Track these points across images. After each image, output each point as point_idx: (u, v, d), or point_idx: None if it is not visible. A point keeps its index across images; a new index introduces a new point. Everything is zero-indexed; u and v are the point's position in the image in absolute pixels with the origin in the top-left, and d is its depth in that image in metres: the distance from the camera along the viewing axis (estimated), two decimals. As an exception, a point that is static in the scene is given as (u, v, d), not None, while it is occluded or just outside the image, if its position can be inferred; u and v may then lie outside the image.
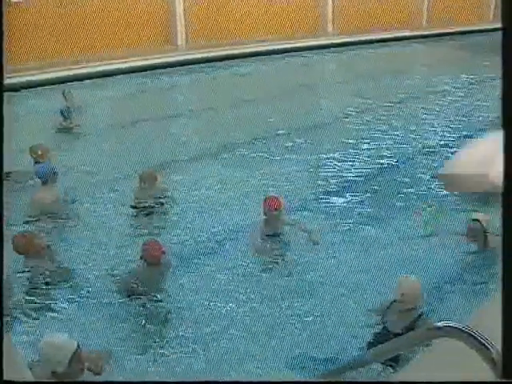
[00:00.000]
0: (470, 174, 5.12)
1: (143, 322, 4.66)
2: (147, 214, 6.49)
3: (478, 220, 5.32)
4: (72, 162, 8.04)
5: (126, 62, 14.62)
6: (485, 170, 5.24)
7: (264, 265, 5.44)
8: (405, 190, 7.22)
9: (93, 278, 5.23)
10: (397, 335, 4.00)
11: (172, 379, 4.12)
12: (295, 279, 5.19)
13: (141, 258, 4.98)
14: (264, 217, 5.72)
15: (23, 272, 5.11)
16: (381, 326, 4.30)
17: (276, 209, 5.61)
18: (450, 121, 10.62)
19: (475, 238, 5.34)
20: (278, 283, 5.13)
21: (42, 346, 3.48)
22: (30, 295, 4.97)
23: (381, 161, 8.42)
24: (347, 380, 2.96)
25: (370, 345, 4.14)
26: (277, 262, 5.45)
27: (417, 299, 4.16)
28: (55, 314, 4.77)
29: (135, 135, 9.89)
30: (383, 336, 4.16)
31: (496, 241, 5.07)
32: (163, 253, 5.00)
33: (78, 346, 3.45)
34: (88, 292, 5.04)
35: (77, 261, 5.53)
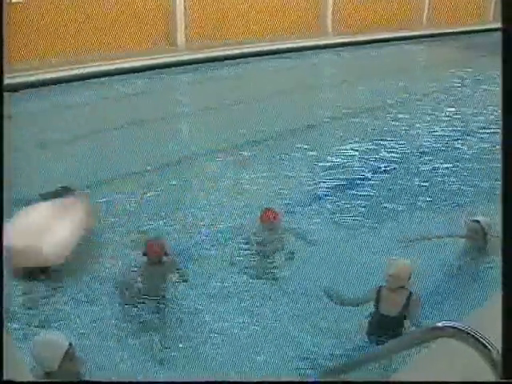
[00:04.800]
0: (22, 246, 4.83)
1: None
2: None
3: (477, 221, 5.29)
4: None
5: (126, 62, 14.60)
6: (38, 242, 5.02)
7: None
8: (404, 190, 7.23)
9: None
10: (389, 318, 4.22)
11: (172, 379, 4.11)
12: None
13: (143, 254, 4.99)
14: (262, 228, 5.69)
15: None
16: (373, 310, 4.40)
17: (274, 219, 5.60)
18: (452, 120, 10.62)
19: (475, 239, 5.30)
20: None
21: (33, 344, 3.40)
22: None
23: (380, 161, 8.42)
24: (347, 380, 2.96)
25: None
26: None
27: (405, 279, 4.29)
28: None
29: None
30: (377, 319, 4.32)
31: (495, 243, 5.05)
32: (166, 253, 5.00)
33: (71, 344, 3.41)
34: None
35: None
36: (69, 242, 5.00)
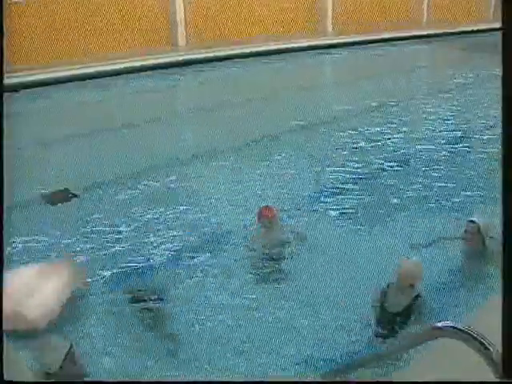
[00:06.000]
0: (7, 312, 4.80)
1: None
2: None
3: (474, 221, 5.26)
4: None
5: (126, 62, 14.60)
6: (22, 308, 4.95)
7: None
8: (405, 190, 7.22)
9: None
10: (396, 315, 4.22)
11: (173, 379, 4.11)
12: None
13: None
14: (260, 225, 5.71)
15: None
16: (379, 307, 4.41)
17: (269, 216, 5.63)
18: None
19: (472, 240, 5.27)
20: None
21: (35, 346, 3.47)
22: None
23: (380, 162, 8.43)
24: (347, 380, 2.97)
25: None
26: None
27: (414, 278, 4.32)
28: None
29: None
30: (383, 316, 4.32)
31: (494, 243, 5.03)
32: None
33: (72, 346, 3.47)
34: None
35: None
36: (54, 306, 4.82)
